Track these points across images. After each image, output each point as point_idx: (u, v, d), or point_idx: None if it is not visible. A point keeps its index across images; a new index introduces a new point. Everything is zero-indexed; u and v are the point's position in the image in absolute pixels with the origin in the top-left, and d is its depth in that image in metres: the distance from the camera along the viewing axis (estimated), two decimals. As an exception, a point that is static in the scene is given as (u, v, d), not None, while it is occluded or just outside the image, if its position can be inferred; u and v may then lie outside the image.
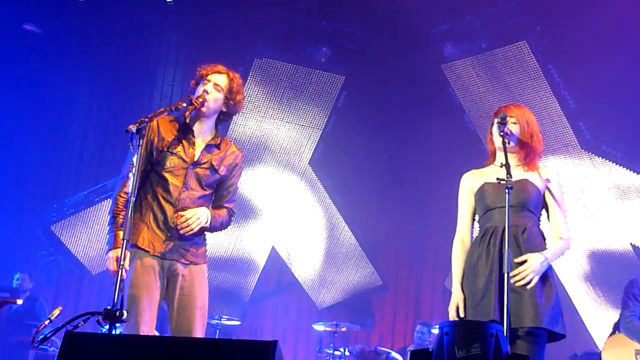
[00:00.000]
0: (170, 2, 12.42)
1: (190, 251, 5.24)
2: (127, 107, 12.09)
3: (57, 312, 6.83)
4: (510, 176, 4.94)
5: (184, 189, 5.21)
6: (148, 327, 5.02)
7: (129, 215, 4.53)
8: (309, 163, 13.13)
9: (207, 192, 5.35)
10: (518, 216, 5.17)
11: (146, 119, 4.75)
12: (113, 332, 4.42)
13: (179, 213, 5.13)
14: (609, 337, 8.82)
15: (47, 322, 6.65)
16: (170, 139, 5.24)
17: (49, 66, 12.31)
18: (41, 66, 12.29)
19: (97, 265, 12.61)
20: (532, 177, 5.32)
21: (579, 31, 11.00)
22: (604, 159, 11.52)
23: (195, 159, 5.27)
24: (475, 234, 5.41)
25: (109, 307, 4.37)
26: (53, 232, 12.48)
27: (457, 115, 12.14)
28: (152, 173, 5.22)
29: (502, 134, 5.18)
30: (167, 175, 5.20)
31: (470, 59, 11.59)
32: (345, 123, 12.90)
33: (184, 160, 5.23)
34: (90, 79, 12.86)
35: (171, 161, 5.20)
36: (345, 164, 13.17)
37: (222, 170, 5.37)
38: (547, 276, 5.11)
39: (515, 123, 5.32)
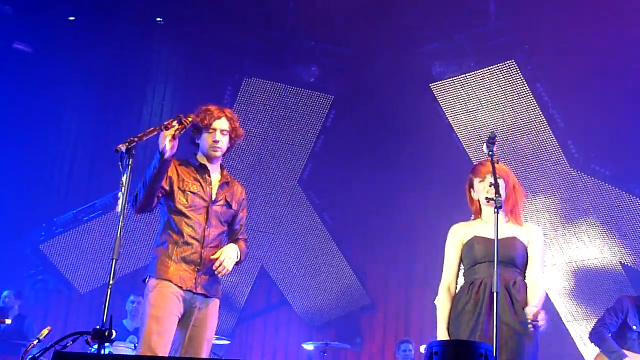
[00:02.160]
0: (160, 21, 12.44)
1: (214, 286, 5.46)
2: (117, 126, 12.08)
3: (46, 332, 6.83)
4: (500, 195, 5.03)
5: (207, 226, 5.44)
6: (166, 348, 5.15)
7: (118, 236, 4.57)
8: (298, 182, 13.12)
9: (225, 228, 5.64)
10: (507, 271, 5.34)
11: (136, 139, 4.83)
12: (102, 352, 4.41)
13: (212, 257, 5.36)
14: (595, 357, 8.88)
15: (36, 342, 6.66)
16: (189, 180, 5.50)
17: (39, 85, 12.30)
18: (31, 85, 12.29)
19: (86, 284, 12.56)
20: (520, 235, 5.51)
21: (567, 50, 11.05)
22: (593, 178, 11.53)
23: (214, 198, 5.53)
24: (460, 284, 5.57)
25: (98, 327, 4.36)
26: (42, 252, 12.43)
27: (446, 135, 12.15)
28: (175, 211, 5.42)
29: (491, 153, 5.23)
30: (191, 214, 5.41)
31: (459, 78, 11.60)
32: (335, 142, 12.90)
33: (204, 200, 5.48)
34: (79, 98, 12.84)
35: (193, 200, 5.44)
36: (334, 183, 13.18)
37: (235, 206, 5.67)
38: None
39: (499, 178, 5.38)
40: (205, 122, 5.52)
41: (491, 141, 5.25)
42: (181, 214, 5.39)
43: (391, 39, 11.59)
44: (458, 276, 5.63)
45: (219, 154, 5.60)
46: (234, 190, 5.70)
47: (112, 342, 4.43)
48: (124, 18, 11.97)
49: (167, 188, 5.40)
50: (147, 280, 5.32)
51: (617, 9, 10.64)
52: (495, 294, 4.89)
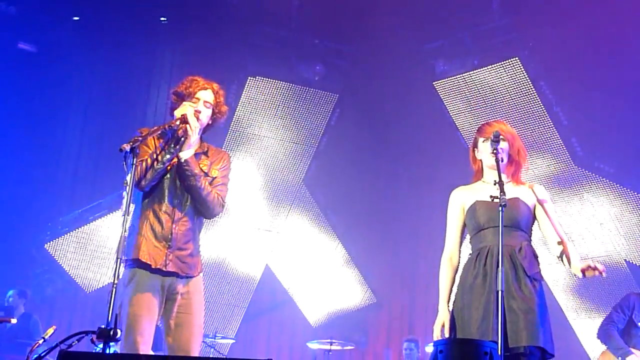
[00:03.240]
0: (164, 20, 12.46)
1: (187, 263, 5.20)
2: (120, 125, 12.08)
3: (51, 331, 6.84)
4: (504, 194, 4.92)
5: (178, 200, 5.22)
6: (147, 346, 5.00)
7: (122, 234, 4.53)
8: (302, 181, 13.13)
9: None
10: (511, 236, 5.16)
11: (140, 138, 4.77)
12: (107, 351, 4.41)
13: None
14: (601, 353, 8.91)
15: (41, 341, 6.67)
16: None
17: (43, 84, 12.34)
18: (35, 85, 12.32)
19: (91, 283, 12.58)
20: (522, 194, 5.35)
21: (571, 48, 11.04)
22: (597, 175, 11.53)
23: None
24: (465, 253, 5.42)
25: (102, 326, 4.35)
26: (47, 251, 12.44)
27: (450, 132, 12.15)
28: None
29: (495, 151, 5.18)
30: (161, 187, 5.20)
31: (463, 76, 11.61)
32: (339, 141, 12.91)
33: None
34: (84, 97, 12.89)
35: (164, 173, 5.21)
36: (339, 181, 13.18)
37: (214, 173, 5.36)
38: (542, 296, 5.12)
39: (503, 140, 5.32)
40: (190, 90, 5.32)
41: (495, 139, 5.22)
42: (154, 188, 5.19)
43: (395, 37, 11.59)
44: (461, 244, 5.49)
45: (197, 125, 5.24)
46: (213, 159, 5.42)
47: (116, 341, 4.42)
48: (127, 17, 12.00)
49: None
50: (122, 261, 4.92)
51: (620, 8, 10.64)
52: (499, 292, 4.81)
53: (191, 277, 5.25)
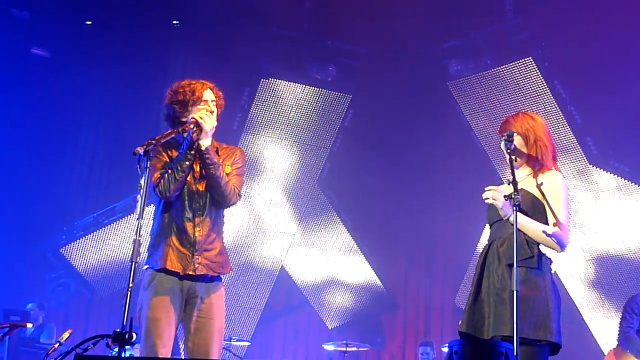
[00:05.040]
0: (176, 23, 12.48)
1: (218, 262, 5.24)
2: (134, 128, 12.10)
3: (66, 334, 6.84)
4: (518, 193, 4.87)
5: (198, 203, 5.22)
6: (166, 349, 5.01)
7: (136, 238, 4.53)
8: (317, 182, 13.13)
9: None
10: (506, 227, 5.08)
11: (153, 141, 4.77)
12: (122, 354, 4.41)
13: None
14: (610, 350, 8.96)
15: (57, 345, 6.67)
16: None
17: (57, 89, 12.35)
18: (49, 89, 12.34)
19: (106, 287, 12.61)
20: (529, 186, 5.20)
21: (584, 46, 11.01)
22: (611, 174, 11.50)
23: (203, 173, 5.25)
24: None
25: (118, 330, 4.35)
26: (63, 255, 12.48)
27: (464, 132, 12.14)
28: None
29: (509, 151, 5.14)
30: (181, 194, 5.21)
31: (476, 76, 11.61)
32: (353, 141, 12.91)
33: (194, 177, 5.25)
34: (97, 101, 12.89)
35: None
36: (353, 182, 13.17)
37: (227, 169, 5.35)
38: (535, 286, 5.00)
39: (517, 135, 5.26)
40: (196, 95, 5.30)
41: (509, 139, 5.18)
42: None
43: (408, 38, 11.59)
44: None
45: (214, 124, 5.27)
46: (224, 156, 5.39)
47: (132, 344, 4.42)
48: (140, 21, 12.01)
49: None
50: (146, 269, 5.15)
51: (635, 5, 10.60)
52: (515, 292, 4.76)
53: (220, 277, 5.28)
